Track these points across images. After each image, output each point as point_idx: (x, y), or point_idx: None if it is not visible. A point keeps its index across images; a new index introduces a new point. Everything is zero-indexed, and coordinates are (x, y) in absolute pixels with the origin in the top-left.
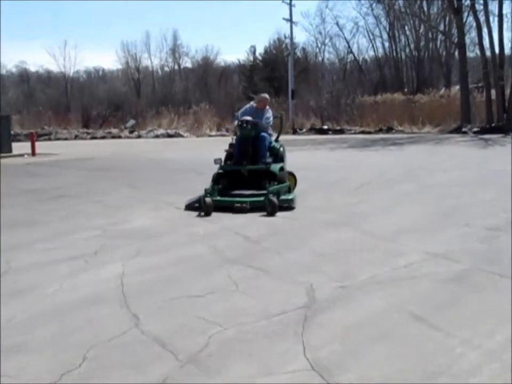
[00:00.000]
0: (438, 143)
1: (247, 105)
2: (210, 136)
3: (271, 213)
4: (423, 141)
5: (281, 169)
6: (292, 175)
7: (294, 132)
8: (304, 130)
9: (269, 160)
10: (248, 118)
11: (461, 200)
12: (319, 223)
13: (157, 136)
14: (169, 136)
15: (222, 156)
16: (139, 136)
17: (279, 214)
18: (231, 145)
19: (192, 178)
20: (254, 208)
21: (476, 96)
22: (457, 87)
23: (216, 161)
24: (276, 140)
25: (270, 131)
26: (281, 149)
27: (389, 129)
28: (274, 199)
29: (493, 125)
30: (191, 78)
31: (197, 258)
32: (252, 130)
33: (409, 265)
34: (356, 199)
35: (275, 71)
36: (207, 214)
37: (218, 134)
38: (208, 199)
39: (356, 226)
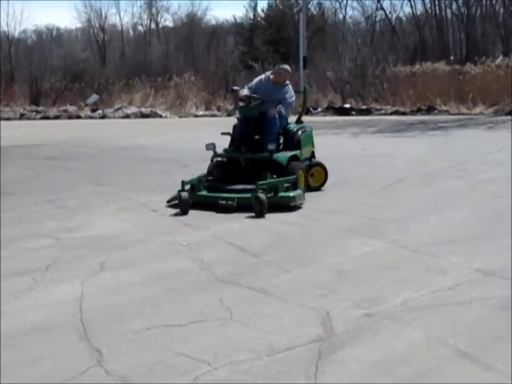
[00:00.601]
0: (492, 127)
1: (261, 77)
2: (196, 116)
3: (259, 214)
4: (474, 125)
5: (293, 158)
6: (319, 166)
7: (307, 112)
8: (319, 109)
9: (279, 147)
10: (246, 91)
11: None
12: (337, 231)
13: (127, 116)
14: (144, 116)
15: (218, 140)
16: (104, 116)
17: (285, 219)
18: (235, 127)
19: (173, 171)
20: (242, 207)
21: None
22: None
23: (208, 146)
24: (298, 121)
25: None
26: (300, 132)
27: (430, 109)
28: (263, 196)
29: None
30: (172, 41)
31: (178, 276)
32: (253, 109)
33: (454, 287)
34: (385, 200)
35: (282, 32)
36: (183, 212)
37: (207, 114)
38: (184, 194)
39: (385, 236)
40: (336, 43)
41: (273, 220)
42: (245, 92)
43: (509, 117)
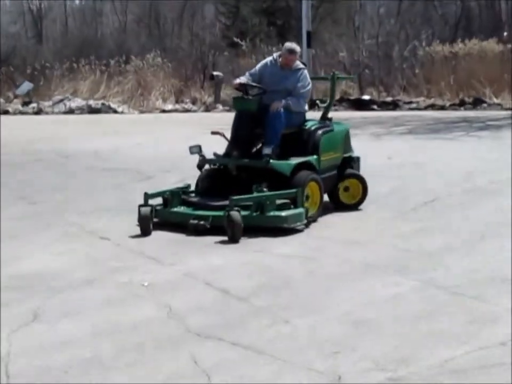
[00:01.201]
0: None
1: (267, 60)
2: (164, 111)
3: (231, 238)
4: None
5: (303, 166)
6: (355, 177)
7: (312, 105)
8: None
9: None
10: (243, 78)
11: None
12: (353, 267)
13: (70, 111)
14: (93, 111)
15: (206, 142)
16: (39, 111)
17: (284, 251)
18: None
19: (132, 185)
20: (216, 227)
21: None
22: None
23: (192, 150)
24: (324, 117)
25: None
26: (320, 132)
27: (477, 102)
28: (237, 215)
29: None
30: (131, 10)
31: (138, 328)
32: (251, 102)
33: (508, 342)
34: (417, 225)
35: (278, 0)
36: (143, 232)
37: (178, 108)
38: (145, 210)
39: (416, 273)
40: (352, 14)
41: (268, 251)
42: (242, 79)
43: None
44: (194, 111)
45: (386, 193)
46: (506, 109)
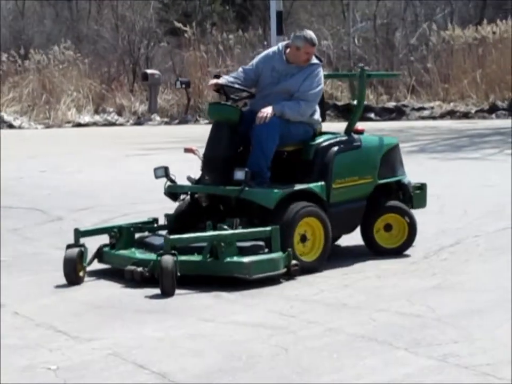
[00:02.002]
0: None
1: (269, 51)
2: (79, 125)
3: (162, 291)
4: None
5: (299, 196)
6: (398, 212)
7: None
8: None
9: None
10: (224, 80)
11: None
12: (345, 340)
13: None
14: None
15: (142, 167)
16: None
17: (242, 319)
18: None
19: (34, 229)
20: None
21: None
22: None
23: (157, 173)
24: (349, 130)
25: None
26: (334, 149)
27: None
28: (169, 261)
29: None
30: None
31: None
32: (229, 109)
33: None
34: (431, 280)
35: None
36: (69, 281)
37: (99, 120)
38: (70, 252)
39: (430, 347)
40: None
41: (223, 319)
42: (223, 79)
43: None
44: (121, 124)
45: None
46: None
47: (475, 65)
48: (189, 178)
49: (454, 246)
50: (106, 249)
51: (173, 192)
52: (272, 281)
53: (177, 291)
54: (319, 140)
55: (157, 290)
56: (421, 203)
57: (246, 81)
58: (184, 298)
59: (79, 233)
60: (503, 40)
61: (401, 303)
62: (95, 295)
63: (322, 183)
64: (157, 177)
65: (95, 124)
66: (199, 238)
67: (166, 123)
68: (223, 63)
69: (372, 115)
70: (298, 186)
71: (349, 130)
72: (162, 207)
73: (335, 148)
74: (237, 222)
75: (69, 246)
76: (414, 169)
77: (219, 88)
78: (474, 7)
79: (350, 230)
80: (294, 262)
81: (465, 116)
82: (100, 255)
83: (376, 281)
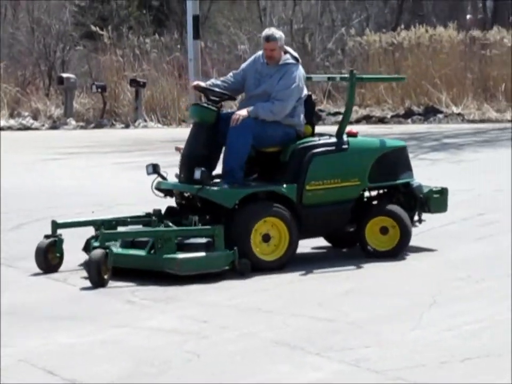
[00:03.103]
0: None
1: (255, 55)
2: None
3: (90, 282)
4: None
5: (265, 197)
6: (389, 215)
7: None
8: None
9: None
10: (203, 83)
11: None
12: (256, 345)
13: None
14: None
15: (59, 172)
16: None
17: (155, 324)
18: None
19: None
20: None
21: None
22: None
23: (148, 169)
24: (339, 134)
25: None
26: (313, 151)
27: (430, 112)
28: (97, 255)
29: None
30: None
31: None
32: (206, 111)
33: None
34: (346, 286)
35: None
36: (41, 268)
37: (14, 125)
38: (42, 242)
39: (343, 352)
40: None
41: (135, 325)
42: (210, 82)
43: None
44: (37, 128)
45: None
46: (470, 121)
47: (391, 70)
48: (177, 175)
49: None
50: (93, 241)
51: (161, 189)
52: (186, 286)
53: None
54: (300, 142)
55: (74, 296)
56: (441, 208)
57: (234, 84)
58: (97, 304)
59: (56, 225)
60: (419, 45)
61: (315, 308)
62: (10, 301)
63: (294, 185)
64: (148, 173)
65: (10, 128)
66: (137, 233)
67: (82, 127)
68: (139, 67)
69: None
70: (264, 188)
71: (340, 133)
72: (80, 212)
73: (314, 150)
74: (196, 219)
75: (46, 236)
76: None
77: (199, 89)
78: (390, 12)
79: (334, 231)
80: (244, 260)
81: (381, 120)
82: (86, 246)
83: (290, 286)
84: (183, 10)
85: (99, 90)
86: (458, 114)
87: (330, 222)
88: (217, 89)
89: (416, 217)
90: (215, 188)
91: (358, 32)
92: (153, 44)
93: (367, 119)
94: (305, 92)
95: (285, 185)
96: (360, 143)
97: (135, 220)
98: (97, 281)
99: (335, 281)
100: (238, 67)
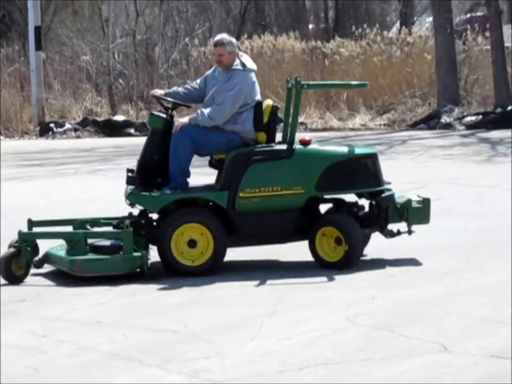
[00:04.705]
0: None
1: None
2: None
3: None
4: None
5: (195, 203)
6: (332, 225)
7: (44, 131)
8: (67, 125)
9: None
10: (160, 91)
11: None
12: (93, 358)
13: None
14: None
15: None
16: None
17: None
18: None
19: None
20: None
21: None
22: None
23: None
24: (288, 141)
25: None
26: (251, 158)
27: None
28: (8, 253)
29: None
30: None
31: None
32: (156, 118)
33: None
34: (187, 296)
35: None
36: (6, 279)
37: None
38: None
39: (183, 363)
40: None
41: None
42: (173, 89)
43: (411, 132)
44: None
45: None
46: (313, 130)
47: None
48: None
49: None
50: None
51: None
52: (25, 300)
53: None
54: (241, 149)
55: None
56: (423, 218)
57: (197, 91)
58: None
59: (31, 224)
60: (261, 54)
61: (155, 319)
62: None
63: (226, 192)
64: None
65: None
66: (52, 234)
67: None
68: None
69: (132, 131)
70: (192, 194)
71: (290, 141)
72: None
73: (252, 158)
74: (127, 223)
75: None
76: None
77: (157, 99)
78: (233, 22)
79: (278, 240)
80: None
81: None
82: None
83: (130, 298)
84: (25, 21)
85: None
86: (301, 123)
87: (270, 230)
88: (169, 98)
89: (401, 229)
90: (143, 193)
91: (201, 42)
92: None
93: None
94: (257, 97)
95: (214, 192)
96: (308, 151)
97: (108, 221)
98: (7, 277)
99: (176, 293)
100: (80, 78)
